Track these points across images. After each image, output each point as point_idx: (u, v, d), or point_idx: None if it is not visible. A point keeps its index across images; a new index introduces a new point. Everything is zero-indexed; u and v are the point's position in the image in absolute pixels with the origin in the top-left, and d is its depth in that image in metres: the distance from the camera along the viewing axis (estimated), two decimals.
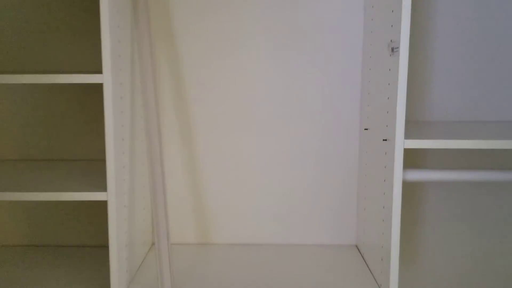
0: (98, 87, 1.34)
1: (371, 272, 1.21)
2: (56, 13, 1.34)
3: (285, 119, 1.34)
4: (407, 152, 1.18)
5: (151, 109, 1.17)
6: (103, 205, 1.40)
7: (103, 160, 1.38)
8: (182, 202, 1.39)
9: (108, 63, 1.00)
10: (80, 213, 1.42)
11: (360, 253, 1.33)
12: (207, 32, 1.31)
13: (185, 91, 1.34)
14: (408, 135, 1.04)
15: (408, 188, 1.36)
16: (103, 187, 1.07)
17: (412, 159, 1.34)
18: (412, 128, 1.18)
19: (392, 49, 1.00)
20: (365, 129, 1.26)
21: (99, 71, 1.03)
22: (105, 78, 1.01)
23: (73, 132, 1.39)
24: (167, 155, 1.37)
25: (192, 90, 1.34)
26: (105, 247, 1.40)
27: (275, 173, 1.37)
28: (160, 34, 1.32)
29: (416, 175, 1.12)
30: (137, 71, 1.23)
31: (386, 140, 1.06)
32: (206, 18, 1.31)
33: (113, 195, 1.04)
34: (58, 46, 1.35)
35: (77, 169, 1.28)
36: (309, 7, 1.30)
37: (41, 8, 1.33)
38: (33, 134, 1.39)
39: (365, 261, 1.28)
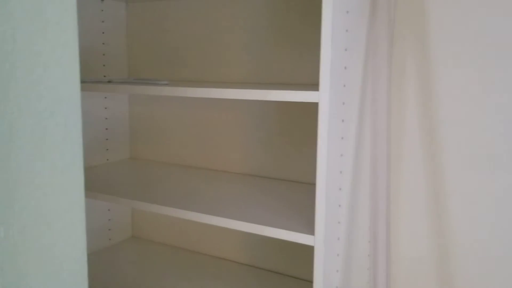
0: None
1: None
2: (276, 18, 1.19)
3: None
4: None
5: (381, 137, 0.91)
6: None
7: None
8: (417, 259, 1.07)
9: (327, 78, 0.79)
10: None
11: None
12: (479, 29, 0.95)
13: (436, 121, 1.01)
14: None
15: None
16: (310, 227, 0.87)
17: None
18: None
19: None
20: None
21: (316, 85, 0.83)
22: (322, 97, 0.79)
23: (288, 149, 1.24)
24: (397, 194, 1.07)
25: (447, 120, 1.00)
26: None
27: None
28: (407, 35, 1.02)
29: None
30: (370, 85, 0.97)
31: None
32: (479, 11, 0.94)
33: (321, 242, 0.83)
34: (278, 56, 1.21)
35: (285, 192, 1.11)
36: None
37: (265, 15, 1.21)
38: (257, 149, 1.30)
39: None
